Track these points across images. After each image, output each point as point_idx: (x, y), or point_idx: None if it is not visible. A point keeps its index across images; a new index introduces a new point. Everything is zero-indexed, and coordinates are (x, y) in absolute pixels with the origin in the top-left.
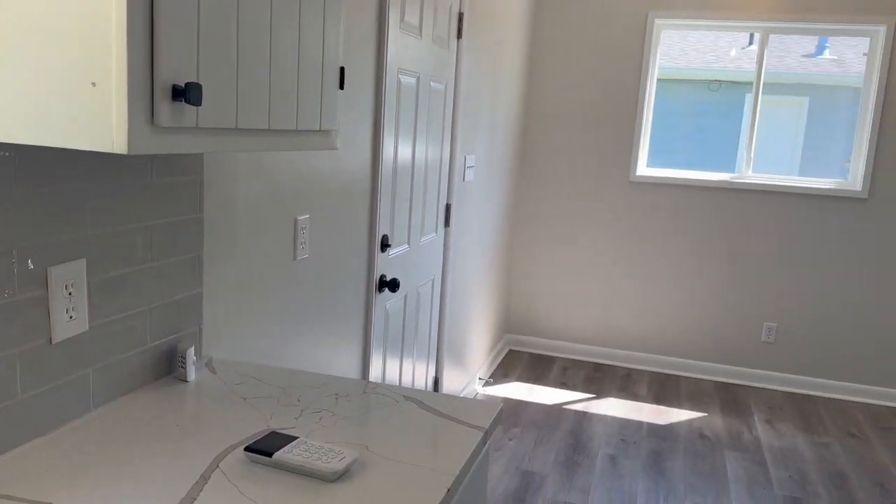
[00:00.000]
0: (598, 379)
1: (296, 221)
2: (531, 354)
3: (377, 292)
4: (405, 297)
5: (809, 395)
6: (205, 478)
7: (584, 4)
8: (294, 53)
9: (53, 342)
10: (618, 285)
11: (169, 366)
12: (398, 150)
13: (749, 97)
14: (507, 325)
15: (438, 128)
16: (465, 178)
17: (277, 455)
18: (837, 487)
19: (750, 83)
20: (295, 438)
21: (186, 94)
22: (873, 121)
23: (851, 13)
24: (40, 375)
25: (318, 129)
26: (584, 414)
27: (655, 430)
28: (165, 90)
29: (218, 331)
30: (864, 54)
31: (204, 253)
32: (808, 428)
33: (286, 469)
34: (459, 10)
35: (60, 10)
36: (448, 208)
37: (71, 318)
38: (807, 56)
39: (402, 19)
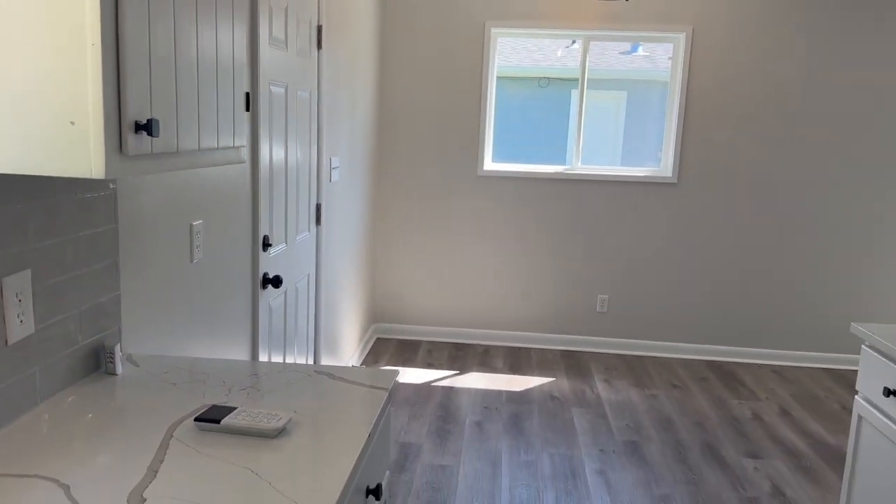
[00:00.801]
0: (461, 357)
1: (191, 227)
2: (398, 340)
3: (262, 289)
4: (285, 293)
5: (639, 356)
6: (164, 446)
7: (428, 15)
8: (214, 88)
9: (9, 344)
10: (472, 271)
11: (97, 362)
12: (272, 155)
13: (575, 93)
14: (374, 314)
15: (306, 133)
16: (332, 179)
17: (225, 421)
18: (665, 430)
19: (576, 79)
20: (235, 408)
21: (148, 127)
22: (679, 116)
23: (657, 22)
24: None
25: (232, 145)
26: (450, 388)
27: (513, 397)
28: (131, 125)
29: (134, 329)
30: (669, 58)
31: (119, 259)
32: (639, 383)
33: (234, 432)
34: (318, 22)
35: (41, 66)
36: (319, 207)
37: (21, 322)
38: (623, 53)
39: (270, 34)
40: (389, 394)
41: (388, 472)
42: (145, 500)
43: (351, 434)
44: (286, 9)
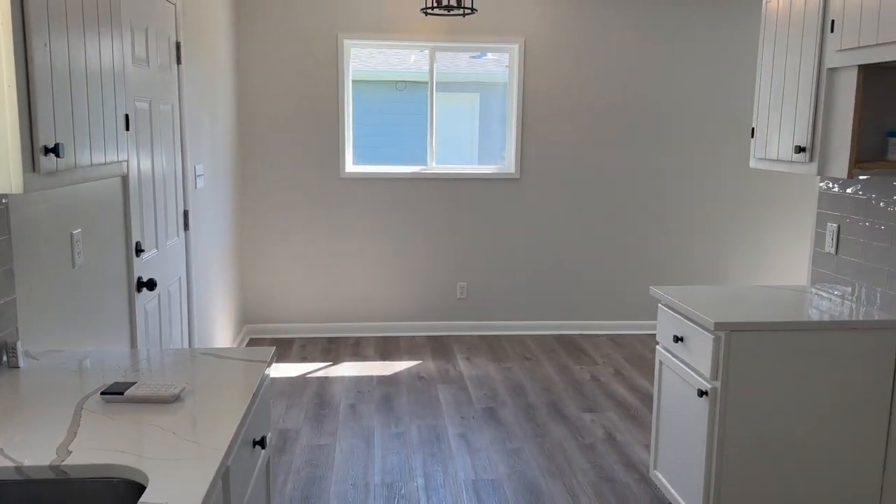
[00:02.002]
0: (334, 349)
1: (72, 235)
2: (271, 339)
3: (137, 292)
4: (159, 297)
5: (496, 335)
6: (77, 416)
7: (282, 29)
8: (101, 115)
9: None
10: (340, 268)
11: None
12: (140, 166)
13: (428, 94)
14: (246, 316)
15: (170, 143)
16: (197, 186)
17: (128, 392)
18: (518, 395)
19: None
20: (135, 383)
21: (55, 149)
22: (518, 118)
23: (494, 34)
24: None
25: (116, 160)
26: (325, 378)
27: (384, 380)
28: (41, 149)
29: (27, 329)
30: (506, 66)
31: (14, 266)
32: (496, 359)
33: (137, 401)
34: (177, 39)
35: None
36: (186, 213)
37: None
38: (474, 57)
39: (133, 53)
40: (268, 364)
41: (269, 433)
42: (71, 452)
43: (238, 397)
44: (146, 28)
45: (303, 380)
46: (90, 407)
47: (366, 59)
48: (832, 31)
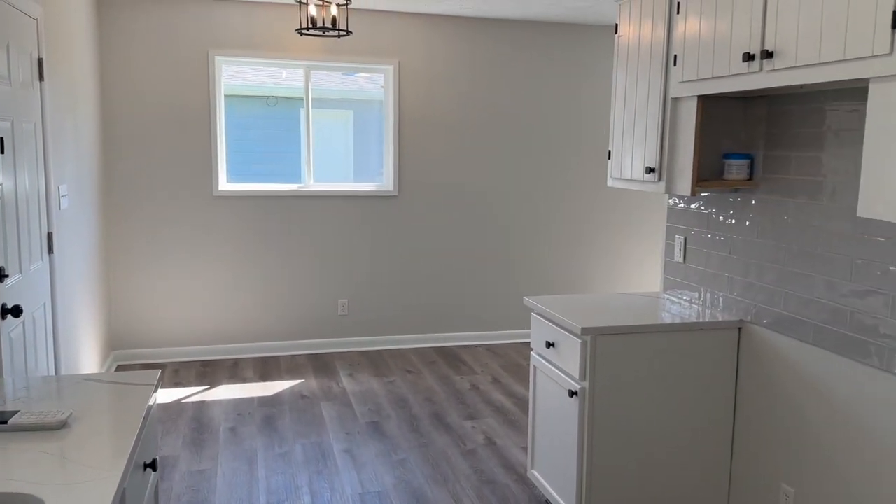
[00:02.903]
0: (210, 373)
1: None
2: (141, 364)
3: (2, 319)
4: (23, 323)
5: (378, 350)
6: None
7: (149, 44)
8: None
9: None
10: (215, 288)
11: None
12: (4, 188)
13: (304, 112)
14: (113, 342)
15: (33, 163)
16: (62, 206)
17: (11, 421)
18: (401, 408)
19: (303, 98)
20: (17, 411)
21: None
22: (394, 136)
23: (369, 56)
24: None
25: None
26: (201, 403)
27: (265, 401)
28: None
29: None
30: (382, 87)
31: None
32: (378, 373)
33: (23, 429)
34: (39, 55)
35: None
36: (50, 236)
37: None
38: (346, 74)
39: None
40: (155, 387)
41: (157, 456)
42: None
43: (128, 420)
44: (7, 45)
45: (178, 405)
46: None
47: (234, 74)
48: (675, 64)
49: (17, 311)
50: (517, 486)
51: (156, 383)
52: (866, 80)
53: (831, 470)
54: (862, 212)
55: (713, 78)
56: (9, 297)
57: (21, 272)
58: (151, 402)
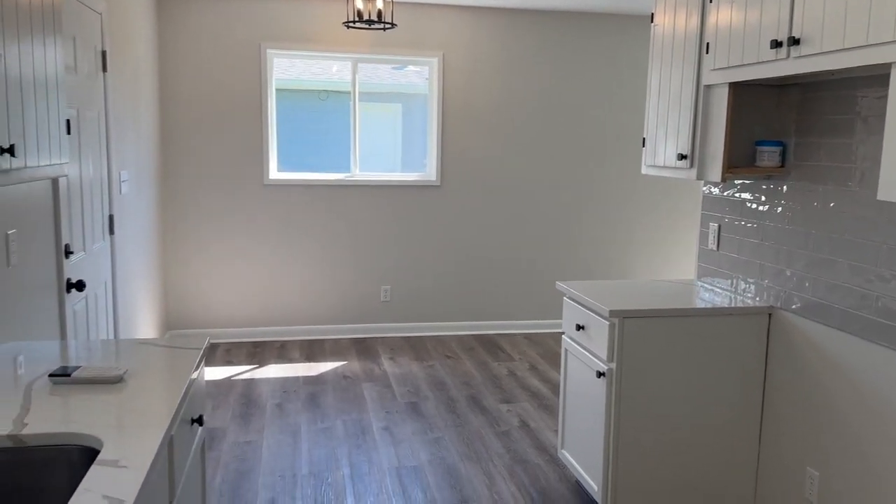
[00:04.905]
0: (259, 353)
1: (7, 235)
2: None
3: (67, 293)
4: (87, 298)
5: (419, 336)
6: (28, 395)
7: (205, 38)
8: (46, 117)
9: None
10: (264, 273)
11: None
12: (69, 170)
13: (351, 103)
14: (169, 321)
15: (97, 149)
16: (122, 191)
17: (74, 374)
18: (440, 390)
19: (350, 92)
20: (80, 366)
21: (11, 150)
22: (438, 127)
23: (414, 48)
24: None
25: (60, 162)
26: (250, 380)
27: (310, 380)
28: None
29: None
30: (426, 78)
31: None
32: (419, 357)
33: (83, 382)
34: (102, 48)
35: None
36: (111, 218)
37: None
38: (396, 68)
39: (63, 63)
40: (203, 351)
41: (204, 413)
42: (26, 424)
43: (177, 379)
44: (74, 38)
45: (228, 382)
46: (39, 388)
47: (287, 68)
48: (707, 52)
49: (80, 286)
50: (548, 465)
51: (203, 348)
52: (890, 66)
53: (856, 454)
54: (882, 195)
55: (743, 65)
56: (73, 272)
57: (85, 250)
58: (201, 361)
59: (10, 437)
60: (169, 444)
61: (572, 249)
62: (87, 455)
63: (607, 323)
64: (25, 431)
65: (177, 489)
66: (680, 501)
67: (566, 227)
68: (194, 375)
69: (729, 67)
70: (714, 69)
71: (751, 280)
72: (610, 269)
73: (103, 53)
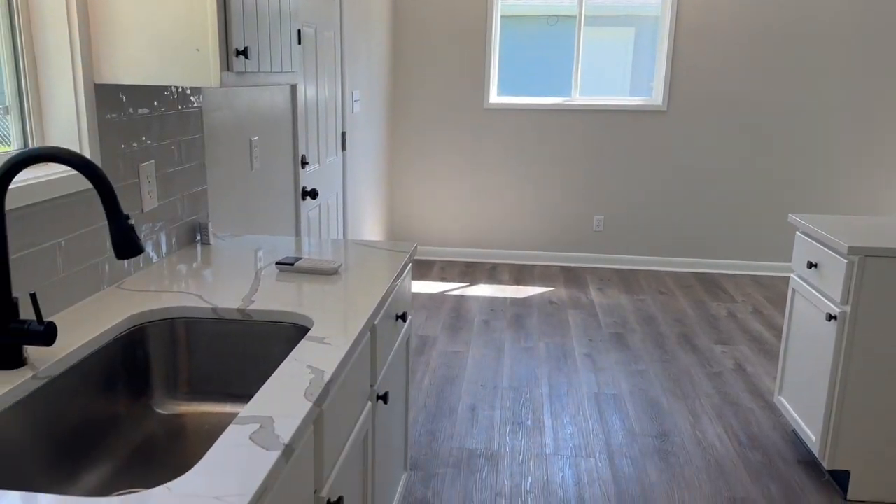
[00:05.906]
0: (471, 272)
1: (250, 141)
2: (415, 260)
3: (302, 199)
4: (319, 206)
5: (632, 269)
6: (257, 278)
7: None
8: (279, 27)
9: (144, 212)
10: (480, 195)
11: (192, 236)
12: (306, 88)
13: (576, 25)
14: (392, 235)
15: (331, 69)
16: (354, 111)
17: (297, 264)
18: (648, 325)
19: (584, 17)
20: (301, 258)
21: (245, 52)
22: (668, 47)
23: None
24: (140, 232)
25: (290, 70)
26: (461, 297)
27: (516, 302)
28: (233, 51)
29: (214, 215)
30: None
31: (205, 160)
32: (629, 290)
33: (304, 271)
34: None
35: (178, 14)
36: (343, 135)
37: (150, 196)
38: None
39: None
40: (410, 255)
41: (409, 312)
42: (253, 301)
43: (385, 275)
44: None
45: (441, 296)
46: (267, 273)
47: None
48: None
49: (314, 194)
50: (762, 411)
51: (411, 252)
52: None
53: None
54: None
55: None
56: (308, 181)
57: (319, 163)
58: (407, 263)
59: (238, 310)
60: (371, 330)
61: (814, 186)
62: (300, 332)
63: (845, 261)
64: (252, 307)
65: (378, 374)
66: None
67: (809, 160)
68: (400, 276)
69: None
70: None
71: None
72: (859, 210)
73: None
